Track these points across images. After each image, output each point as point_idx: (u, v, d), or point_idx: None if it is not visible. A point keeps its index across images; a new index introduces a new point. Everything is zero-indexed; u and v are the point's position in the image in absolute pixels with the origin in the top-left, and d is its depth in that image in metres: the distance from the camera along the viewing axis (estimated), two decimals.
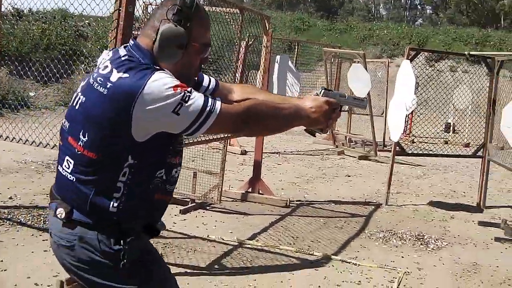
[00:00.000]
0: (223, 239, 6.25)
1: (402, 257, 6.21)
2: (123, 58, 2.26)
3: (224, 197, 7.79)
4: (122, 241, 2.28)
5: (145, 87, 2.13)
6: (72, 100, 2.36)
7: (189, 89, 2.20)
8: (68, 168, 2.29)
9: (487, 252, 6.64)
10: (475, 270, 5.98)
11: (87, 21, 21.72)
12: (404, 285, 5.37)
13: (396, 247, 6.54)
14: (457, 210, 8.55)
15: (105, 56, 2.39)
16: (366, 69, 12.31)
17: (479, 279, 5.72)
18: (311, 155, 12.92)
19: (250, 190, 8.08)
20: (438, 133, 14.94)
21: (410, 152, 10.07)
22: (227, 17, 7.12)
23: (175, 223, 6.72)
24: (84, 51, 17.75)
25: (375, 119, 13.33)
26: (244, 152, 11.70)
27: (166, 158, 2.40)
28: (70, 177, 2.28)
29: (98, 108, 2.20)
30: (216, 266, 5.51)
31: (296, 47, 14.90)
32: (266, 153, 11.66)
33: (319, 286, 5.18)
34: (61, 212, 2.28)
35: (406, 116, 16.34)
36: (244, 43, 12.10)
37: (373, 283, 5.37)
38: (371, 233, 7.01)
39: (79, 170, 2.26)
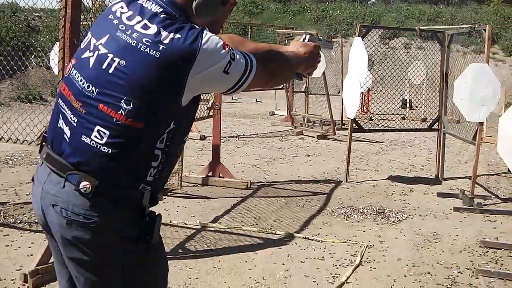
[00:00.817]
0: (185, 224, 6.23)
1: (364, 231, 6.28)
2: (162, 16, 2.09)
3: (185, 183, 7.76)
4: (148, 217, 2.14)
5: (201, 49, 2.03)
6: (94, 64, 2.11)
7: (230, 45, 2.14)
8: (101, 139, 2.04)
9: (447, 222, 6.76)
10: (435, 239, 6.08)
11: (37, 14, 21.39)
12: (367, 258, 5.43)
13: (358, 222, 6.61)
14: (416, 183, 8.67)
15: (122, 10, 2.17)
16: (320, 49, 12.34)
17: (440, 248, 5.82)
18: (270, 137, 12.94)
19: (210, 174, 8.06)
20: (395, 109, 15.10)
21: (367, 128, 10.15)
22: None
23: None
24: (36, 44, 17.50)
25: (332, 98, 13.44)
26: (203, 137, 11.66)
27: (193, 121, 2.33)
28: (103, 148, 2.04)
29: (148, 73, 2.02)
30: (180, 250, 5.50)
31: (250, 30, 14.85)
32: (225, 137, 11.69)
33: (283, 264, 5.21)
34: (86, 185, 2.03)
35: (363, 93, 16.63)
36: None
37: (336, 257, 5.42)
38: (333, 210, 7.07)
39: (117, 141, 2.05)
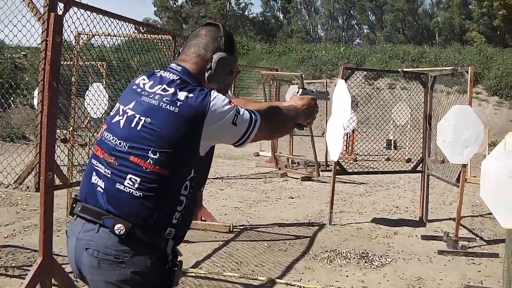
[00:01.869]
0: None
1: (347, 276, 6.17)
2: (178, 81, 2.52)
3: None
4: (171, 263, 2.47)
5: (210, 104, 2.41)
6: (123, 125, 2.48)
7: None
8: (133, 185, 2.36)
9: (431, 266, 6.66)
10: (419, 284, 5.98)
11: (23, 53, 21.37)
12: None
13: (341, 266, 6.50)
14: (400, 226, 8.59)
15: (144, 81, 2.60)
16: None
17: None
18: (254, 178, 12.87)
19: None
20: (380, 150, 15.10)
21: (350, 170, 10.09)
22: (160, 44, 7.03)
23: None
24: (21, 83, 17.45)
25: (316, 139, 13.40)
26: None
27: (208, 172, 2.68)
28: (135, 193, 2.36)
29: (170, 126, 2.39)
30: None
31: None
32: (208, 178, 11.55)
33: None
34: (120, 228, 2.32)
35: (347, 134, 16.62)
36: None
37: None
38: (316, 254, 6.96)
39: (147, 187, 2.36)
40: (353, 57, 32.07)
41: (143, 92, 2.52)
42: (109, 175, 2.42)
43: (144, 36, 6.76)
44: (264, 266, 6.39)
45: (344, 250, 7.12)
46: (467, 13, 58.72)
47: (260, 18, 74.05)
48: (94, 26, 5.30)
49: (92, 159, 2.55)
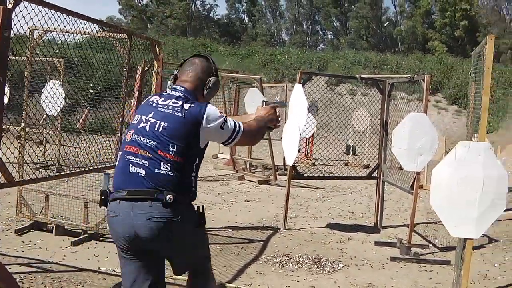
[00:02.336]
0: (114, 271, 5.98)
1: (298, 281, 6.13)
2: (183, 97, 3.57)
3: None
4: (199, 208, 3.63)
5: (206, 112, 3.51)
6: (149, 129, 3.48)
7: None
8: (166, 169, 3.40)
9: (383, 272, 6.66)
10: None
11: None
12: None
13: (293, 271, 6.46)
14: (355, 231, 8.58)
15: (156, 98, 3.63)
16: (262, 93, 12.30)
17: None
18: (210, 181, 12.76)
19: None
20: (339, 155, 15.11)
21: (307, 175, 10.07)
22: (115, 42, 6.89)
23: (65, 256, 6.43)
24: None
25: (276, 143, 13.35)
26: None
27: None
28: (170, 173, 3.39)
29: (181, 128, 3.45)
30: None
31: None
32: None
33: None
34: (170, 197, 3.33)
35: (306, 139, 16.61)
36: (140, 68, 11.89)
37: None
38: (268, 258, 6.91)
39: (174, 169, 3.40)
40: (315, 62, 32.09)
41: (158, 105, 3.56)
42: (147, 164, 3.41)
43: (98, 34, 6.58)
44: (215, 269, 6.23)
45: (297, 255, 7.08)
46: (430, 22, 59.41)
47: (225, 20, 73.96)
48: (52, 23, 5.16)
49: (126, 156, 3.51)
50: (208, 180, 12.77)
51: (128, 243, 3.42)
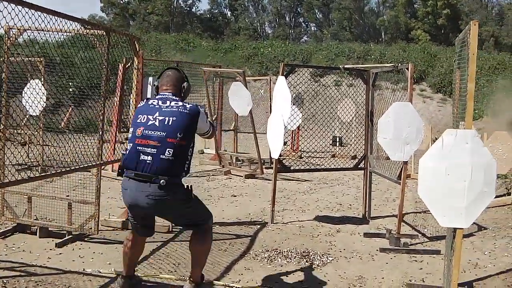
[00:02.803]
0: (100, 272, 5.89)
1: (287, 276, 6.04)
2: (178, 99, 4.87)
3: (104, 227, 7.47)
4: (189, 187, 4.80)
5: (200, 110, 4.84)
6: (159, 124, 4.66)
7: None
8: (170, 154, 4.58)
9: (373, 264, 6.59)
10: (360, 283, 5.89)
11: None
12: None
13: (281, 266, 6.37)
14: (343, 223, 8.52)
15: (156, 102, 4.85)
16: (246, 87, 12.19)
17: None
18: (197, 176, 12.65)
19: None
20: (326, 147, 15.04)
21: (293, 168, 9.98)
22: (94, 39, 6.76)
23: (50, 258, 6.29)
24: None
25: (262, 136, 13.23)
26: None
27: None
28: (170, 158, 4.58)
29: (186, 120, 4.71)
30: None
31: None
32: None
33: None
34: (163, 181, 4.53)
35: (292, 131, 16.52)
36: (122, 66, 11.76)
37: None
38: (256, 253, 6.81)
39: (175, 153, 4.60)
40: (299, 54, 32.02)
41: (161, 106, 4.76)
42: (155, 152, 4.58)
43: (76, 31, 6.46)
44: None
45: (285, 249, 6.99)
46: (413, 12, 59.54)
47: (208, 15, 73.70)
48: (26, 21, 5.04)
49: (138, 147, 4.66)
50: (194, 176, 12.66)
51: (131, 209, 4.89)
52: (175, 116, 4.65)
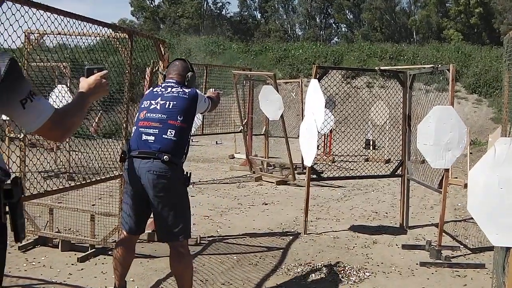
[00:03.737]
0: None
1: None
2: (178, 84, 5.02)
3: None
4: (187, 173, 4.84)
5: (198, 94, 5.00)
6: (160, 107, 4.79)
7: None
8: (172, 135, 4.66)
9: (413, 280, 6.17)
10: None
11: None
12: None
13: (315, 283, 5.97)
14: (380, 234, 8.10)
15: (159, 89, 5.02)
16: (277, 90, 11.82)
17: None
18: (227, 183, 12.31)
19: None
20: (359, 150, 14.61)
21: (328, 173, 9.59)
22: (116, 42, 6.45)
23: (71, 274, 5.96)
24: None
25: (293, 140, 12.84)
26: None
27: None
28: (173, 138, 4.65)
29: (186, 103, 4.84)
30: None
31: (205, 71, 14.27)
32: None
33: None
34: (166, 157, 4.55)
35: (325, 135, 16.12)
36: (149, 69, 11.45)
37: None
38: (288, 268, 6.42)
39: (177, 134, 4.68)
40: (330, 56, 31.60)
41: (164, 92, 4.92)
42: (157, 132, 4.68)
43: (96, 34, 6.14)
44: (231, 284, 5.84)
45: (319, 263, 6.60)
46: (444, 11, 58.63)
47: (237, 18, 73.51)
48: (49, 25, 4.78)
49: (140, 128, 4.78)
50: (224, 183, 12.33)
51: (131, 188, 4.82)
52: (175, 100, 4.84)
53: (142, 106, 4.97)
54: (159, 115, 4.75)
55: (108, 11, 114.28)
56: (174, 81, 5.06)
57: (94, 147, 6.53)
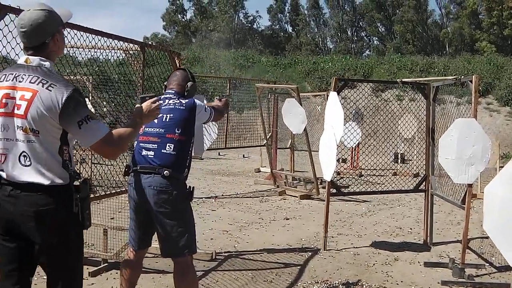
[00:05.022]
0: None
1: None
2: (177, 95, 4.85)
3: None
4: (190, 188, 4.75)
5: (197, 104, 4.84)
6: (158, 121, 4.54)
7: None
8: (170, 149, 4.60)
9: None
10: None
11: None
12: None
13: None
14: (402, 250, 7.85)
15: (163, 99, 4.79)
16: (300, 103, 11.64)
17: None
18: (250, 197, 12.14)
19: None
20: (387, 164, 14.34)
21: (349, 189, 9.37)
22: (128, 56, 6.36)
23: None
24: None
25: (317, 154, 12.64)
26: None
27: None
28: (172, 152, 4.60)
29: (183, 115, 4.71)
30: None
31: (228, 84, 14.18)
32: (200, 198, 10.96)
33: None
34: (166, 173, 4.51)
35: (352, 148, 15.88)
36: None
37: None
38: (304, 285, 6.23)
39: (176, 148, 4.62)
40: (360, 69, 31.36)
41: (162, 105, 4.37)
42: (156, 147, 4.62)
43: (105, 47, 6.06)
44: None
45: (337, 280, 6.40)
46: (477, 23, 58.00)
47: (269, 31, 73.58)
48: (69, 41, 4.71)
49: (140, 143, 4.72)
50: (247, 197, 12.16)
51: (135, 202, 4.74)
52: (172, 112, 4.72)
53: None
54: (157, 129, 4.66)
55: (141, 25, 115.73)
56: (173, 91, 4.91)
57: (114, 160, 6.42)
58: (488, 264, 7.17)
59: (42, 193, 3.12)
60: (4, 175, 3.17)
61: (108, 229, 6.70)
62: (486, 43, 52.56)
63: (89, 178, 3.54)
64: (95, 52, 6.08)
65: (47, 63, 3.24)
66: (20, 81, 3.15)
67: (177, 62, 6.93)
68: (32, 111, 3.07)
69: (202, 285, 6.11)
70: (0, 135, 3.17)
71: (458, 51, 54.55)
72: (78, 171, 3.36)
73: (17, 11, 4.36)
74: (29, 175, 3.13)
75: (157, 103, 3.79)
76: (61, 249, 3.23)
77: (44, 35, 3.24)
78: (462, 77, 7.41)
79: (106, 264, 6.58)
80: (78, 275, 3.45)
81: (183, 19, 72.65)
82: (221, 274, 6.56)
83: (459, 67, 29.80)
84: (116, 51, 6.15)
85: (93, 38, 5.49)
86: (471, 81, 6.87)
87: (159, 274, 6.44)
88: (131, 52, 6.47)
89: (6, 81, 3.18)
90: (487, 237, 8.29)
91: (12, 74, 3.20)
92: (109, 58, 6.26)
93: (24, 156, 3.13)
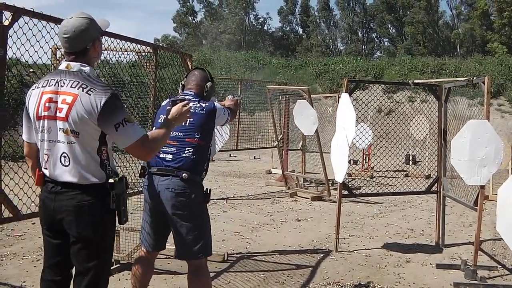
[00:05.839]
0: None
1: None
2: (196, 97, 4.75)
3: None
4: (207, 190, 4.69)
5: (216, 108, 4.78)
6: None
7: None
8: (190, 153, 4.57)
9: None
10: None
11: (32, 70, 20.94)
12: None
13: None
14: (414, 252, 7.84)
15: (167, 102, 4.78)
16: (311, 105, 11.65)
17: None
18: (261, 199, 12.15)
19: None
20: (399, 165, 14.31)
21: (361, 191, 9.36)
22: (140, 58, 6.39)
23: None
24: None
25: (328, 156, 12.63)
26: None
27: None
28: (192, 156, 4.57)
29: (203, 120, 4.66)
30: None
31: (239, 86, 14.21)
32: (212, 199, 10.95)
33: None
34: (185, 175, 4.48)
35: (363, 150, 15.86)
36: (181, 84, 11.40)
37: None
38: (316, 287, 6.23)
39: (196, 152, 4.59)
40: (371, 70, 31.33)
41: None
42: (175, 151, 4.58)
43: (118, 49, 6.09)
44: None
45: (349, 282, 6.39)
46: (488, 24, 57.82)
47: (279, 33, 73.65)
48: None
49: None
50: (258, 199, 12.17)
51: (150, 205, 4.74)
52: (192, 116, 4.52)
53: (159, 121, 4.69)
54: (176, 133, 4.56)
55: (152, 28, 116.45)
56: (193, 93, 4.80)
57: (127, 160, 6.46)
58: (500, 266, 7.14)
59: (80, 191, 3.35)
60: (47, 173, 3.40)
61: (121, 230, 6.72)
62: (498, 44, 52.40)
63: (125, 176, 3.63)
64: (108, 53, 6.13)
65: (87, 68, 3.43)
66: (61, 86, 3.35)
67: (189, 64, 6.95)
68: (73, 114, 3.27)
69: (214, 286, 6.11)
70: (45, 136, 3.38)
71: (469, 52, 54.41)
72: (115, 170, 3.58)
73: (30, 14, 4.42)
74: (68, 175, 3.34)
75: (188, 106, 3.82)
76: (96, 242, 3.42)
77: (86, 41, 3.44)
78: (474, 78, 7.39)
79: (118, 265, 6.61)
80: (106, 270, 3.62)
81: (194, 21, 72.83)
82: (233, 275, 6.58)
83: (470, 68, 29.72)
84: (128, 53, 6.20)
85: (106, 40, 5.54)
86: (483, 82, 6.85)
87: (171, 275, 6.46)
88: (143, 54, 6.51)
89: (49, 86, 3.38)
90: (499, 239, 8.28)
91: (55, 79, 3.40)
92: (122, 60, 6.32)
93: (65, 156, 3.34)
